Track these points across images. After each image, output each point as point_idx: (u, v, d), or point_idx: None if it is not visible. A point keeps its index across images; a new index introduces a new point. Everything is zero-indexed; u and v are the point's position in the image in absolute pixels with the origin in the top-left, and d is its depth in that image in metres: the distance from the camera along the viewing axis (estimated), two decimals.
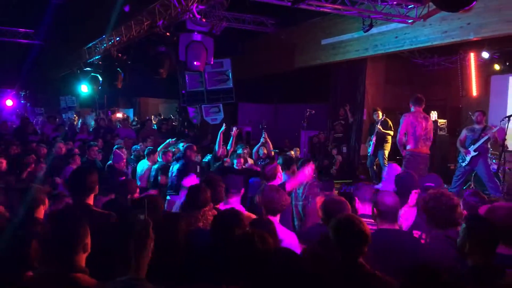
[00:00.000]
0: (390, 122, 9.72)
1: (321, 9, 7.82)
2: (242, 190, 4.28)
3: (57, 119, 12.43)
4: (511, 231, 2.72)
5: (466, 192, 4.15)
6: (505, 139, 7.70)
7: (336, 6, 7.70)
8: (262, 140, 8.88)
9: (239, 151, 9.38)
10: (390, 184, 4.80)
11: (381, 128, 9.63)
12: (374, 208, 3.41)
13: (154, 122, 14.16)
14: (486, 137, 7.63)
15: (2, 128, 10.33)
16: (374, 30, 8.49)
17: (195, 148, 7.34)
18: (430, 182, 4.25)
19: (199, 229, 3.13)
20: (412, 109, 7.08)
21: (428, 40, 8.13)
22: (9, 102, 13.66)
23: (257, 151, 9.23)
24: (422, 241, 3.51)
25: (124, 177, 6.39)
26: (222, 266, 2.39)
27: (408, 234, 3.57)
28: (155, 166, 7.33)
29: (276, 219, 3.46)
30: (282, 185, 4.36)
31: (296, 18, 10.33)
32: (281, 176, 4.94)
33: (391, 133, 9.62)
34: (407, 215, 4.13)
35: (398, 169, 5.10)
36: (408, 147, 6.99)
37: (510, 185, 8.35)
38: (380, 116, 9.72)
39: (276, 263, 2.31)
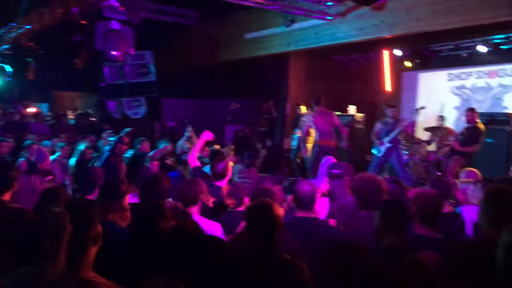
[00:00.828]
0: None
1: (244, 3, 7.87)
2: None
3: None
4: (432, 214, 2.94)
5: (386, 180, 4.39)
6: (414, 131, 8.25)
7: (258, 1, 7.78)
8: (186, 134, 8.77)
9: (162, 146, 9.20)
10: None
11: None
12: (292, 196, 3.50)
13: (71, 117, 13.42)
14: (398, 130, 8.14)
15: None
16: (296, 26, 8.69)
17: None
18: (337, 170, 4.46)
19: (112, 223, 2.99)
20: (315, 108, 8.16)
21: (346, 36, 8.49)
22: None
23: (182, 145, 9.10)
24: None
25: (51, 177, 5.90)
26: (142, 260, 2.34)
27: (325, 222, 3.70)
28: None
29: (193, 210, 3.44)
30: None
31: (220, 12, 10.30)
32: (231, 174, 4.85)
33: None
34: (320, 206, 4.28)
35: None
36: (316, 139, 8.24)
37: (420, 174, 8.99)
38: (303, 111, 9.98)
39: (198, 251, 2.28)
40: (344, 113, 10.67)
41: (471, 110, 7.68)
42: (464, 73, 10.55)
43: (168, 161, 8.70)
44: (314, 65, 11.92)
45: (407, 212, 2.71)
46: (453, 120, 10.32)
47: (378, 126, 8.41)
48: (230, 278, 2.32)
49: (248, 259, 2.47)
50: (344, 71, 12.33)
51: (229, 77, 12.34)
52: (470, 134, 7.49)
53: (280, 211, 2.67)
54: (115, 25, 6.63)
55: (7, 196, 3.13)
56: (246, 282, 2.32)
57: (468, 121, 7.58)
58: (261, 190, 3.59)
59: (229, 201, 3.77)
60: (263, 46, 10.18)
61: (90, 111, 13.77)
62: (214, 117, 12.69)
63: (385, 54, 11.21)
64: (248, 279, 2.33)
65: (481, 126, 7.47)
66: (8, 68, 9.94)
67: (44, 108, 14.93)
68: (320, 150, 8.00)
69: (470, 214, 3.84)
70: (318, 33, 8.93)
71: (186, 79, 12.98)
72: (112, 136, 8.15)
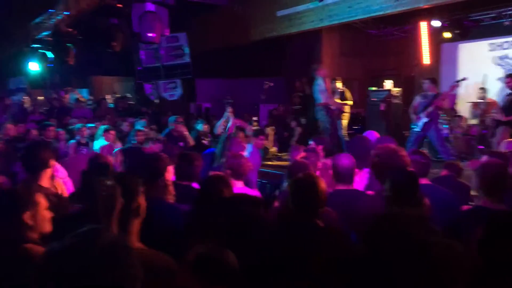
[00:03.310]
0: (348, 93, 9.88)
1: None
2: None
3: (6, 101, 11.86)
4: (497, 185, 2.80)
5: (408, 151, 4.33)
6: (455, 104, 8.02)
7: None
8: (226, 114, 8.78)
9: (199, 126, 9.33)
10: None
11: (339, 100, 9.76)
12: (331, 170, 3.52)
13: (110, 101, 13.78)
14: (437, 104, 7.92)
15: None
16: (328, 1, 8.58)
17: None
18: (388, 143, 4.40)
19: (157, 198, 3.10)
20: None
21: (381, 9, 8.27)
22: None
23: (220, 126, 9.14)
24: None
25: None
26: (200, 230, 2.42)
27: (364, 193, 3.71)
28: None
29: (240, 183, 3.64)
30: None
31: None
32: None
33: (350, 103, 9.80)
34: (360, 178, 4.28)
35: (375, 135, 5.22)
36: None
37: (460, 148, 8.77)
38: (340, 86, 9.84)
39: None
40: (380, 88, 10.46)
41: (511, 76, 7.37)
42: (507, 42, 10.11)
43: (205, 141, 8.83)
44: (348, 40, 11.72)
45: (416, 181, 2.69)
46: (496, 92, 9.96)
47: (417, 99, 8.21)
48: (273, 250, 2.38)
49: (291, 232, 2.50)
50: (379, 45, 12.06)
51: (261, 55, 12.30)
52: None
53: (324, 185, 2.68)
54: (150, 6, 6.73)
55: (45, 176, 3.16)
56: (288, 255, 2.36)
57: (510, 87, 7.28)
58: (297, 165, 3.62)
59: None
60: (296, 22, 10.06)
61: (128, 94, 14.11)
62: (248, 97, 12.73)
63: (422, 25, 10.84)
64: (290, 252, 2.37)
65: None
66: (49, 55, 10.27)
67: (84, 93, 15.40)
68: None
69: None
70: (351, 6, 8.75)
71: (219, 59, 13.04)
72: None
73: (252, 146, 6.58)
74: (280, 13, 10.25)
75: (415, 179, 2.72)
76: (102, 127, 8.08)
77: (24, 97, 13.08)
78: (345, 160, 3.44)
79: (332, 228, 2.60)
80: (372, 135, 5.19)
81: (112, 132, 7.64)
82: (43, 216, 2.20)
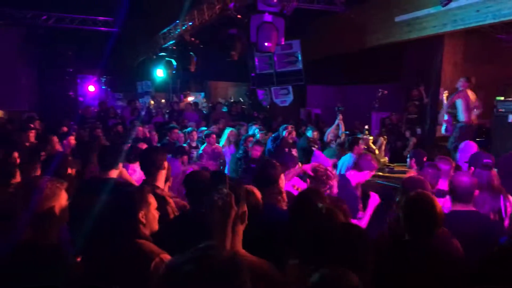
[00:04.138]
0: None
1: None
2: None
3: (136, 104, 13.05)
4: None
5: None
6: None
7: None
8: (336, 122, 8.71)
9: (309, 133, 9.35)
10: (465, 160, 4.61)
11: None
12: (449, 188, 3.31)
13: (224, 105, 14.45)
14: None
15: (86, 112, 11.02)
16: (453, 4, 8.04)
17: None
18: (487, 159, 4.05)
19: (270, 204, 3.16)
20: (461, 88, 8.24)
21: None
22: (91, 88, 14.48)
23: (330, 133, 9.09)
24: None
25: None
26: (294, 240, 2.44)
27: (486, 217, 3.41)
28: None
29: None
30: None
31: None
32: None
33: None
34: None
35: (474, 147, 4.88)
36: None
37: None
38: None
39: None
40: (509, 98, 9.52)
41: None
42: None
43: (315, 148, 8.82)
44: (473, 46, 10.87)
45: None
46: None
47: None
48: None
49: (405, 255, 2.40)
50: (509, 51, 10.99)
51: (376, 62, 11.95)
52: None
53: (439, 204, 2.54)
54: (268, 17, 6.92)
55: (160, 179, 3.39)
56: (399, 277, 2.26)
57: None
58: (412, 180, 3.45)
59: None
60: (415, 28, 9.59)
61: (241, 99, 14.67)
62: (359, 104, 12.45)
63: None
64: (403, 276, 2.27)
65: None
66: (174, 62, 11.11)
67: (201, 97, 16.37)
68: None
69: None
70: (479, 10, 8.10)
71: (331, 66, 12.95)
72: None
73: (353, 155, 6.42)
74: (399, 18, 9.85)
75: None
76: (227, 130, 8.32)
77: (150, 100, 14.31)
78: (465, 178, 3.22)
79: (449, 252, 2.44)
80: (471, 147, 4.81)
81: (213, 136, 7.87)
82: (153, 215, 2.45)
